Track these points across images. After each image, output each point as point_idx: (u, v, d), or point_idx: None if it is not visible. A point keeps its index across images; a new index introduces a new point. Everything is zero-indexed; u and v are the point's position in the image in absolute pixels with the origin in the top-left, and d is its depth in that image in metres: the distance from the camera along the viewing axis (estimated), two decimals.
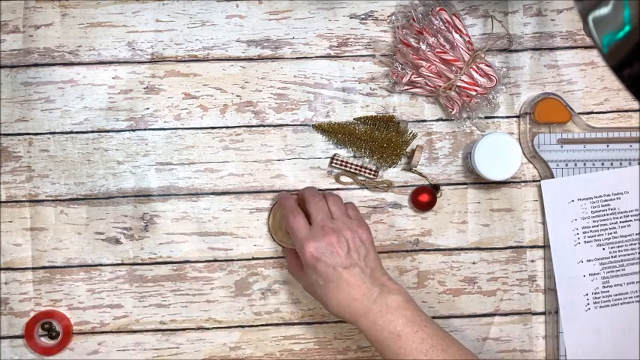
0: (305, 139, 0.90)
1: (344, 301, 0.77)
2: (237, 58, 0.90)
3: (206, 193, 0.90)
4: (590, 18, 0.57)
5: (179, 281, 0.89)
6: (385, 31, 0.90)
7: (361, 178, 0.90)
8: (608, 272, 0.88)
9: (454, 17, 0.86)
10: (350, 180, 0.90)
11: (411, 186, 0.90)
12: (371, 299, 0.77)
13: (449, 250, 0.90)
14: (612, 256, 0.88)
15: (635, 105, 0.90)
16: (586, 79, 0.91)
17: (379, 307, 0.77)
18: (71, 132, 0.89)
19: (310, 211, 0.82)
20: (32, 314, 0.88)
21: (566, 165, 0.89)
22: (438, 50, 0.86)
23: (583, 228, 0.88)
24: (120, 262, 0.89)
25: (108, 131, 0.89)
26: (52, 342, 0.88)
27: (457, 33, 0.86)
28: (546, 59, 0.90)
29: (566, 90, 0.90)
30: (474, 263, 0.90)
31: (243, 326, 0.90)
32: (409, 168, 0.90)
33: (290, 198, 0.86)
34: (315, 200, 0.83)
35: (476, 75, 0.85)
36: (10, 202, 0.89)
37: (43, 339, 0.89)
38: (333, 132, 0.89)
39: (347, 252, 0.78)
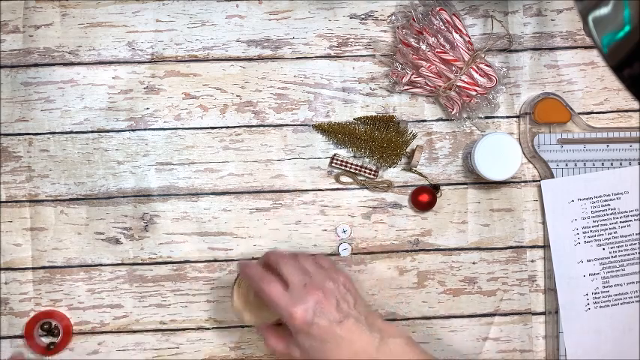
0: (305, 139, 0.90)
1: (347, 357, 0.74)
2: (237, 58, 0.90)
3: (206, 193, 0.90)
4: (590, 18, 0.57)
5: (179, 281, 0.89)
6: (385, 31, 0.90)
7: (361, 178, 0.90)
8: (608, 272, 0.88)
9: (454, 17, 0.86)
10: (350, 180, 0.90)
11: (411, 186, 0.90)
12: (373, 348, 0.74)
13: (449, 250, 0.90)
14: (612, 256, 0.88)
15: (635, 105, 0.90)
16: (586, 79, 0.91)
17: (383, 355, 0.73)
18: (71, 132, 0.89)
19: (284, 274, 0.77)
20: (32, 314, 0.88)
21: (566, 165, 0.89)
22: (438, 50, 0.86)
23: (583, 228, 0.88)
24: (120, 262, 0.89)
25: (108, 131, 0.89)
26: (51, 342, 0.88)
27: (457, 33, 0.86)
28: (546, 59, 0.90)
29: (566, 90, 0.90)
30: (474, 263, 0.90)
31: (243, 326, 0.90)
32: (409, 168, 0.90)
33: (254, 266, 0.79)
34: (285, 261, 0.78)
35: (476, 75, 0.85)
36: (10, 202, 0.89)
37: (43, 339, 0.89)
38: (333, 132, 0.89)
39: (337, 305, 0.75)
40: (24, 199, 0.89)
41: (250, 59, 0.90)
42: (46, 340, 0.89)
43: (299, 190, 0.90)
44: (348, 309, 0.75)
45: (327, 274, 0.77)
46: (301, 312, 0.73)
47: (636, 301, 0.88)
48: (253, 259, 0.90)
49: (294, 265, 0.77)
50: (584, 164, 0.89)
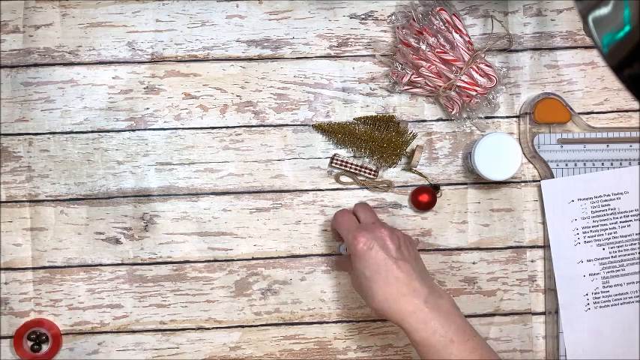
0: (305, 139, 0.90)
1: (391, 297, 0.74)
2: (237, 58, 0.90)
3: (206, 193, 0.90)
4: (590, 18, 0.58)
5: (179, 281, 0.89)
6: (385, 31, 0.90)
7: (361, 178, 0.90)
8: (608, 272, 0.88)
9: (454, 17, 0.86)
10: (350, 180, 0.90)
11: (411, 186, 0.90)
12: (422, 298, 0.74)
13: (449, 250, 0.90)
14: (612, 256, 0.88)
15: (635, 105, 0.90)
16: (586, 79, 0.91)
17: (431, 308, 0.74)
18: (71, 132, 0.89)
19: (358, 213, 0.83)
20: (25, 320, 0.88)
21: (566, 165, 0.89)
22: (438, 50, 0.86)
23: (583, 228, 0.88)
24: (120, 262, 0.89)
25: (108, 131, 0.89)
26: (40, 352, 0.88)
27: (457, 33, 0.86)
28: (546, 59, 0.90)
29: (566, 90, 0.90)
30: (474, 263, 0.90)
31: (243, 326, 0.90)
32: (409, 168, 0.90)
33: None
34: (364, 207, 0.84)
35: (476, 75, 0.85)
36: (10, 202, 0.89)
37: (34, 346, 0.88)
38: (333, 132, 0.89)
39: (398, 247, 0.77)
40: (24, 199, 0.89)
41: (250, 59, 0.90)
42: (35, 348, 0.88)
43: (299, 190, 0.90)
44: (407, 256, 0.77)
45: (395, 228, 0.81)
46: (364, 238, 0.76)
47: (636, 301, 0.88)
48: (253, 259, 0.90)
49: (370, 210, 0.84)
50: (584, 164, 0.89)
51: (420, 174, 0.90)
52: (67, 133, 0.89)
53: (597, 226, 0.88)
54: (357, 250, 0.77)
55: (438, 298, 0.75)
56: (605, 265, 0.88)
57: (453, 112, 0.88)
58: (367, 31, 0.90)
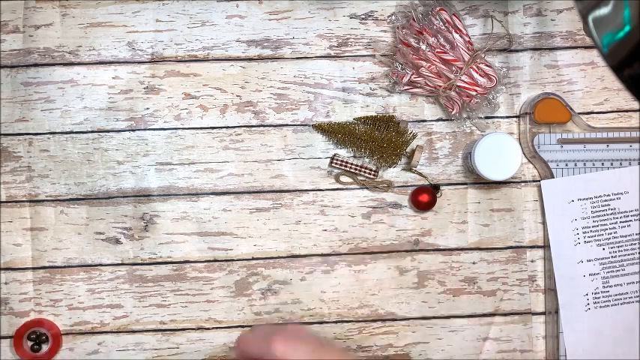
0: (305, 139, 0.90)
1: None
2: (237, 58, 0.90)
3: (206, 193, 0.90)
4: (590, 18, 0.58)
5: (179, 281, 0.89)
6: (385, 31, 0.90)
7: (361, 178, 0.90)
8: (608, 272, 0.88)
9: (454, 17, 0.86)
10: (350, 180, 0.90)
11: (411, 186, 0.90)
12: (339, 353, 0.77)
13: (449, 250, 0.90)
14: (612, 256, 0.88)
15: (635, 105, 0.90)
16: (586, 79, 0.91)
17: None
18: (71, 132, 0.89)
19: (249, 340, 0.76)
20: (25, 320, 0.88)
21: (566, 165, 0.89)
22: (438, 50, 0.86)
23: (583, 228, 0.88)
24: (120, 262, 0.89)
25: (108, 131, 0.89)
26: (40, 352, 0.88)
27: (457, 33, 0.86)
28: (546, 59, 0.90)
29: (566, 90, 0.90)
30: (473, 263, 0.90)
31: (243, 326, 0.90)
32: (409, 168, 0.90)
33: None
34: (243, 338, 0.77)
35: (476, 75, 0.85)
36: (10, 202, 0.89)
37: (34, 346, 0.88)
38: (333, 132, 0.89)
39: (309, 335, 0.75)
40: (24, 199, 0.89)
41: (250, 59, 0.90)
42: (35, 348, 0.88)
43: (299, 190, 0.90)
44: (322, 340, 0.76)
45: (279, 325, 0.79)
46: (281, 339, 0.72)
47: (636, 301, 0.88)
48: (253, 259, 0.90)
49: (252, 333, 0.77)
50: (584, 164, 0.89)
51: (420, 174, 0.90)
52: (67, 133, 0.89)
53: (597, 226, 0.88)
54: (280, 356, 0.72)
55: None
56: (605, 265, 0.88)
57: (453, 112, 0.88)
58: (367, 31, 0.90)
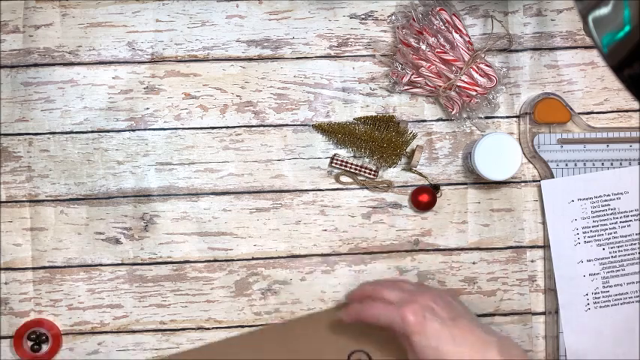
0: (305, 139, 0.90)
1: (467, 356, 0.74)
2: (237, 58, 0.90)
3: (206, 193, 0.90)
4: (590, 18, 0.58)
5: (179, 281, 0.89)
6: (385, 31, 0.90)
7: (361, 178, 0.90)
8: (608, 272, 0.88)
9: (454, 17, 0.86)
10: (350, 180, 0.90)
11: (411, 186, 0.90)
12: (494, 349, 0.74)
13: (449, 250, 0.90)
14: (612, 256, 0.88)
15: (635, 105, 0.90)
16: (586, 79, 0.91)
17: (508, 356, 0.74)
18: (71, 132, 0.89)
19: (386, 295, 0.79)
20: (25, 320, 0.88)
21: (566, 165, 0.89)
22: (438, 50, 0.86)
23: (583, 228, 0.88)
24: (120, 262, 0.89)
25: (108, 131, 0.89)
26: (40, 352, 0.88)
27: (457, 33, 0.86)
28: (546, 59, 0.90)
29: (566, 90, 0.90)
30: (473, 263, 0.90)
31: (243, 326, 0.90)
32: (409, 168, 0.90)
33: (350, 309, 0.81)
34: (386, 284, 0.81)
35: (476, 75, 0.85)
36: (10, 202, 0.89)
37: (34, 346, 0.88)
38: (333, 132, 0.89)
39: (446, 306, 0.77)
40: (24, 199, 0.89)
41: (250, 59, 0.90)
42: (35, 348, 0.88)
43: (299, 190, 0.90)
44: (459, 310, 0.77)
45: (427, 287, 0.80)
46: (412, 311, 0.74)
47: (636, 301, 0.88)
48: (253, 259, 0.90)
49: (394, 284, 0.80)
50: (584, 164, 0.89)
51: (420, 174, 0.90)
52: (67, 133, 0.89)
53: (597, 226, 0.88)
54: (411, 327, 0.75)
55: (510, 347, 0.75)
56: (605, 265, 0.88)
57: (453, 112, 0.88)
58: (367, 31, 0.90)
